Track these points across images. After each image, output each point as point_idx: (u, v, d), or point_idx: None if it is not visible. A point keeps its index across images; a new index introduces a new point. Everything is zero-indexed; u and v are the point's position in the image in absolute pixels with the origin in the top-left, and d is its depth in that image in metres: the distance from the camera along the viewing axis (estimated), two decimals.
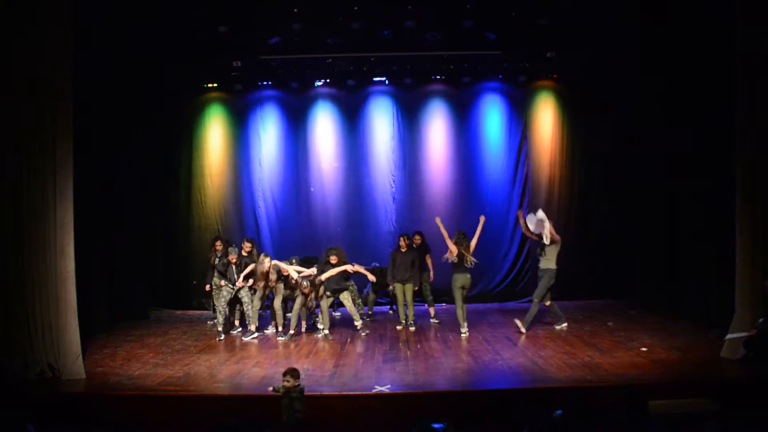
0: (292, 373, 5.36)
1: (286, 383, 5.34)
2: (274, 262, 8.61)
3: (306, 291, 8.35)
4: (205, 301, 9.84)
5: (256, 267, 8.60)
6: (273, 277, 8.49)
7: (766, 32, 6.60)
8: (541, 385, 6.20)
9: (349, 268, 8.52)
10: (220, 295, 8.75)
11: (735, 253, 6.95)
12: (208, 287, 9.04)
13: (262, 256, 8.60)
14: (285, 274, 8.55)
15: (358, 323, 8.75)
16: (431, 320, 9.36)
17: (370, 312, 9.81)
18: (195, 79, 11.06)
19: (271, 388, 5.71)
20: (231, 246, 8.97)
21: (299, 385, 5.36)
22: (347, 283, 8.86)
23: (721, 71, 7.59)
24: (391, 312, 9.95)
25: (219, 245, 9.04)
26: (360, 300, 9.62)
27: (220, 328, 8.71)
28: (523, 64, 10.88)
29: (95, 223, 8.82)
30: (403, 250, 8.98)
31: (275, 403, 5.90)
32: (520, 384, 6.34)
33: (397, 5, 9.06)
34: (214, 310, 9.11)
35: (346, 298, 8.77)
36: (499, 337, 8.32)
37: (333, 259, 8.52)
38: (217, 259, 8.90)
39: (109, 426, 4.83)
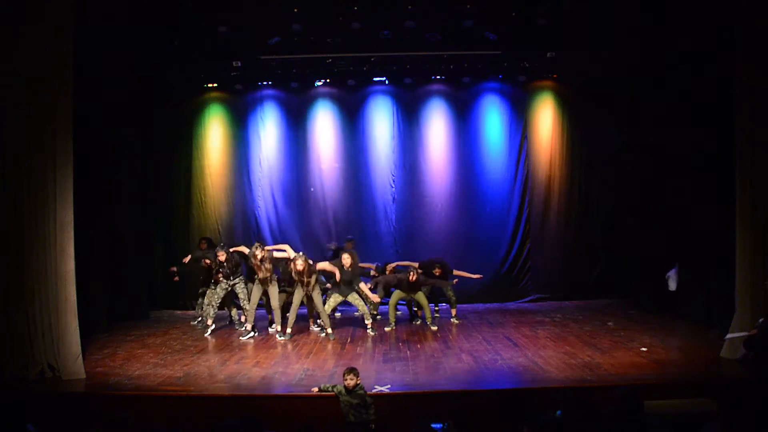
0: (354, 371, 5.56)
1: (348, 381, 5.47)
2: (267, 247, 8.62)
3: (301, 268, 8.22)
4: (193, 302, 9.84)
5: (251, 259, 8.53)
6: (268, 266, 8.44)
7: (765, 31, 6.61)
8: (541, 385, 6.20)
9: (346, 260, 8.54)
10: (215, 292, 8.79)
11: (735, 253, 6.95)
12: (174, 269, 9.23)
13: (254, 248, 8.49)
14: (281, 257, 8.59)
15: (368, 322, 8.77)
16: (452, 320, 9.37)
17: (374, 312, 9.77)
18: (195, 79, 11.05)
19: (315, 389, 5.79)
20: (218, 245, 8.93)
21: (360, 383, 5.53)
22: (354, 285, 8.83)
23: (720, 71, 7.59)
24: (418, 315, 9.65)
25: (204, 244, 9.04)
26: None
27: (209, 322, 8.77)
28: (523, 64, 10.87)
29: (95, 223, 8.81)
30: (412, 280, 8.82)
31: (275, 403, 5.94)
32: (520, 384, 6.33)
33: (397, 5, 9.06)
34: (201, 309, 9.20)
35: (355, 298, 8.76)
36: (499, 337, 8.32)
37: (345, 260, 8.57)
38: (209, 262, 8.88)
39: (109, 426, 4.82)
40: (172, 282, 9.82)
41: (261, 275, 8.44)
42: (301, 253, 8.47)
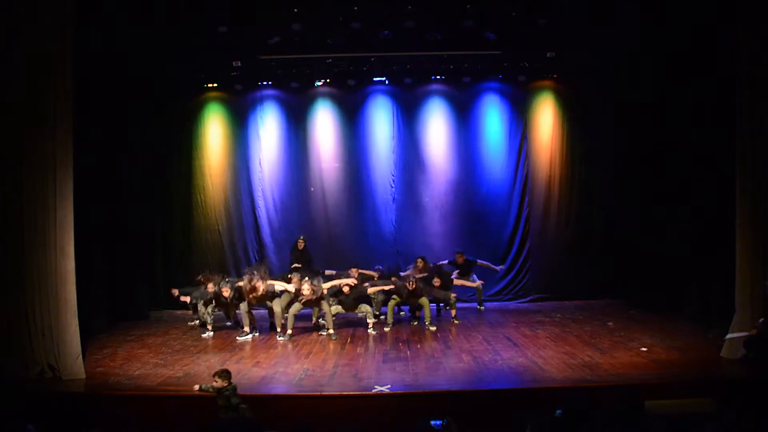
0: (220, 374, 5.47)
1: (214, 383, 5.43)
2: (269, 282, 8.61)
3: (308, 294, 8.31)
4: (188, 304, 9.86)
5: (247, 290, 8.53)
6: (263, 299, 8.59)
7: (764, 30, 6.60)
8: (541, 385, 6.20)
9: (350, 281, 8.60)
10: (207, 308, 8.83)
11: (735, 253, 6.95)
12: (176, 292, 9.19)
13: (255, 281, 8.48)
14: (281, 290, 8.65)
15: (371, 322, 8.79)
16: (452, 320, 9.36)
17: (377, 312, 9.76)
18: (195, 79, 11.05)
19: (196, 387, 5.76)
20: (222, 281, 8.83)
21: (230, 384, 5.45)
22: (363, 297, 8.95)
23: (720, 70, 7.59)
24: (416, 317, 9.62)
25: (210, 287, 8.80)
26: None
27: (209, 326, 8.78)
28: (523, 64, 10.88)
29: (95, 223, 8.81)
30: (411, 288, 8.88)
31: (275, 403, 5.95)
32: (520, 384, 6.33)
33: (397, 5, 9.06)
34: (194, 310, 9.24)
35: (360, 309, 8.87)
36: (499, 337, 8.32)
37: (345, 290, 8.65)
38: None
39: (109, 426, 4.83)
40: (173, 282, 9.85)
41: (253, 301, 8.56)
42: (306, 278, 8.51)
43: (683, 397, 5.60)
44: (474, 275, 10.33)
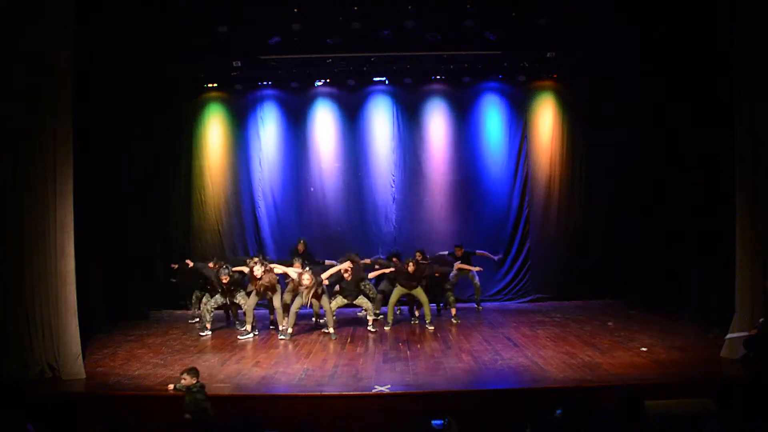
0: (189, 371, 5.55)
1: (183, 381, 5.49)
2: (270, 265, 8.64)
3: (308, 283, 8.28)
4: (188, 302, 9.94)
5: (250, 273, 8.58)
6: (266, 282, 8.55)
7: (764, 29, 6.60)
8: (541, 385, 6.20)
9: (346, 265, 8.58)
10: (214, 299, 8.81)
11: (735, 253, 6.95)
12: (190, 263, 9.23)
13: (252, 262, 8.56)
14: (281, 273, 8.67)
15: (371, 319, 8.80)
16: (452, 320, 9.36)
17: (377, 311, 9.74)
18: (195, 79, 11.06)
19: (171, 386, 5.84)
20: (222, 267, 8.79)
21: (198, 382, 5.51)
22: (362, 284, 8.96)
23: (721, 71, 7.59)
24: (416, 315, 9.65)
25: (211, 265, 8.94)
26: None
27: (207, 325, 8.78)
28: (523, 64, 10.89)
29: (95, 223, 8.81)
30: (411, 270, 8.87)
31: (275, 403, 5.95)
32: (520, 384, 6.33)
33: (397, 5, 9.07)
34: (189, 292, 9.35)
35: (362, 300, 8.86)
36: (499, 337, 8.32)
37: (346, 276, 8.62)
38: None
39: (109, 426, 4.82)
40: (171, 282, 9.85)
41: (260, 289, 8.56)
42: (307, 268, 8.52)
43: (683, 397, 5.59)
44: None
